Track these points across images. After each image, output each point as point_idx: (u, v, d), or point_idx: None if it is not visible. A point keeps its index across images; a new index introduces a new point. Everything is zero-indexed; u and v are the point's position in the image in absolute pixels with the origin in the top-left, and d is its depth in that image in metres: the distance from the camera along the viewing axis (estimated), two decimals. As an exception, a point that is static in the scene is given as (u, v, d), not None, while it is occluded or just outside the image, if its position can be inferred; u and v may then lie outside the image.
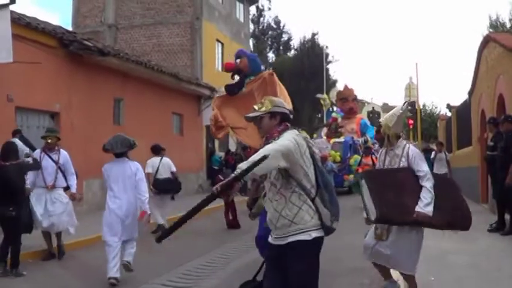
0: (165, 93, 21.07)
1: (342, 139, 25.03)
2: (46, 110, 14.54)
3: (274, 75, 10.26)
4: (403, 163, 5.81)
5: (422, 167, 5.70)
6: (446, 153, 18.58)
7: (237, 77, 10.55)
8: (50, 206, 9.30)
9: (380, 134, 6.13)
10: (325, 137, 26.10)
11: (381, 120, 6.29)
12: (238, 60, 10.32)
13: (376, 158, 18.68)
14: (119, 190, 7.90)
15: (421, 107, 45.17)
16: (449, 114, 29.38)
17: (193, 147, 24.06)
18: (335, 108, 29.47)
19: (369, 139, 23.09)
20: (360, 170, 15.88)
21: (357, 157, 22.11)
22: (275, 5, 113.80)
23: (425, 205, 5.50)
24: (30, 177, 9.03)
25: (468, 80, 19.85)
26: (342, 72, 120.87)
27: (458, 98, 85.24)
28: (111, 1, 27.59)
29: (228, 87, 10.56)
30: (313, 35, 50.48)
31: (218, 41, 28.23)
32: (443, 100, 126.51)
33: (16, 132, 13.60)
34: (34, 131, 14.20)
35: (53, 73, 14.46)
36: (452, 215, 5.69)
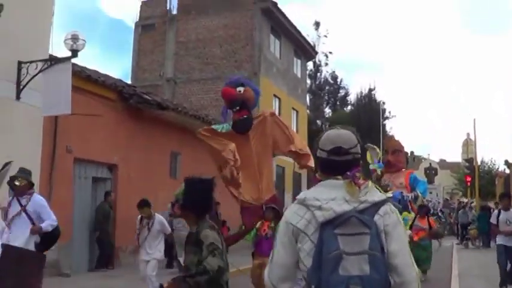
0: (222, 147, 21.00)
1: (389, 194, 24.19)
2: (104, 161, 14.60)
3: (277, 115, 8.68)
4: None
5: None
6: None
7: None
8: None
9: None
10: None
11: None
12: (241, 89, 8.15)
13: (434, 220, 17.48)
14: None
15: (479, 163, 43.98)
16: (507, 171, 28.47)
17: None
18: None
19: (420, 195, 22.00)
20: (416, 238, 12.90)
21: (406, 214, 21.15)
22: (332, 60, 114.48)
23: None
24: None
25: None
26: (399, 128, 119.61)
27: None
28: (170, 55, 28.15)
29: (244, 125, 8.16)
30: (370, 90, 50.08)
31: (275, 96, 28.20)
32: (502, 156, 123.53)
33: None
34: (91, 182, 14.26)
35: (112, 126, 14.57)
36: None
